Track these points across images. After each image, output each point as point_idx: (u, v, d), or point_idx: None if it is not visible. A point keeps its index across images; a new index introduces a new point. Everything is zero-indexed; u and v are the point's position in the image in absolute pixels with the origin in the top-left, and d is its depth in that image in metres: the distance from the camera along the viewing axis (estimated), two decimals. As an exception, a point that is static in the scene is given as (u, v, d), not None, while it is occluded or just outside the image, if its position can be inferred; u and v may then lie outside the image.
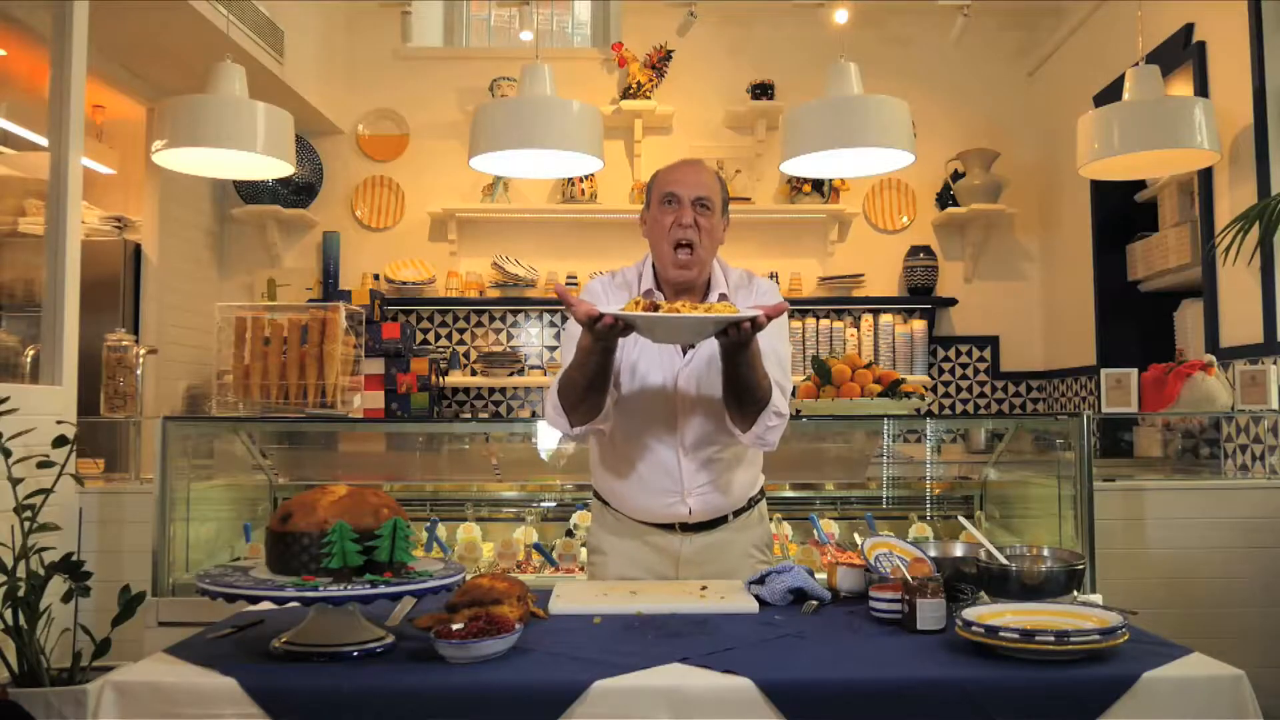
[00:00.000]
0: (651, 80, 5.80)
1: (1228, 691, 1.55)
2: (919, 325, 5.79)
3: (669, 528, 2.33)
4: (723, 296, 2.32)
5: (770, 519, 3.29)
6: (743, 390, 2.12)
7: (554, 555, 3.23)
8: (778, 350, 2.26)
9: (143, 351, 3.63)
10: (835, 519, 3.35)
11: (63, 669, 2.79)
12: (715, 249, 2.33)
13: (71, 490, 3.01)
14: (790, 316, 5.75)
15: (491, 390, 5.90)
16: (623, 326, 1.96)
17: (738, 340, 1.98)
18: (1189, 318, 4.50)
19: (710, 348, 2.16)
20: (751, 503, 2.43)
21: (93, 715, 1.56)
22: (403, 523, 1.70)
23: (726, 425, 2.24)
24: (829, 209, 5.80)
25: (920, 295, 5.82)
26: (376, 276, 5.79)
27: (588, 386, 2.12)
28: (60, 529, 2.82)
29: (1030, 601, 1.85)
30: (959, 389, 5.95)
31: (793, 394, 2.44)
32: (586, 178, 5.70)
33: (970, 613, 1.71)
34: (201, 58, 3.83)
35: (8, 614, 2.66)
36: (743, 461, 2.36)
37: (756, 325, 1.96)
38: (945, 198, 5.90)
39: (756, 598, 2.02)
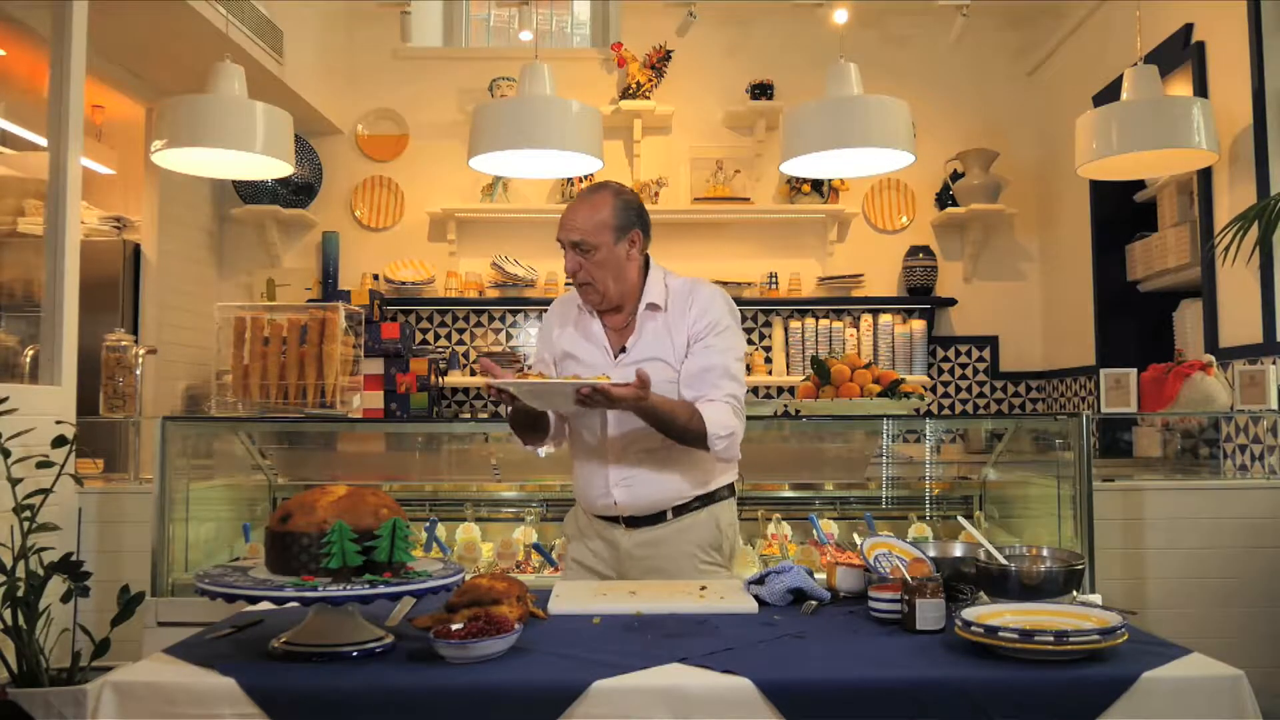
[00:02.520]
0: (651, 80, 5.80)
1: (1227, 691, 1.56)
2: (918, 325, 5.79)
3: (614, 521, 2.41)
4: (652, 306, 2.39)
5: (770, 519, 3.32)
6: (669, 434, 2.28)
7: (553, 555, 3.23)
8: (726, 363, 2.35)
9: (142, 351, 3.63)
10: (835, 519, 3.36)
11: (62, 669, 2.79)
12: (619, 273, 2.37)
13: (71, 490, 3.01)
14: (790, 316, 5.77)
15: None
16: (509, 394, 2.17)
17: (605, 405, 2.13)
18: (1188, 318, 4.50)
19: (644, 349, 2.36)
20: (699, 502, 2.42)
21: (92, 715, 1.56)
22: (402, 523, 1.70)
23: None
24: (828, 209, 5.79)
25: (919, 295, 5.82)
26: (376, 276, 5.79)
27: (525, 425, 2.42)
28: (60, 529, 2.83)
29: (1030, 601, 1.85)
30: (958, 389, 5.95)
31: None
32: (586, 178, 5.69)
33: (970, 613, 1.71)
34: (201, 58, 3.83)
35: (7, 614, 2.66)
36: (679, 459, 2.37)
37: (607, 394, 2.09)
38: (945, 198, 5.90)
39: (756, 598, 2.02)
